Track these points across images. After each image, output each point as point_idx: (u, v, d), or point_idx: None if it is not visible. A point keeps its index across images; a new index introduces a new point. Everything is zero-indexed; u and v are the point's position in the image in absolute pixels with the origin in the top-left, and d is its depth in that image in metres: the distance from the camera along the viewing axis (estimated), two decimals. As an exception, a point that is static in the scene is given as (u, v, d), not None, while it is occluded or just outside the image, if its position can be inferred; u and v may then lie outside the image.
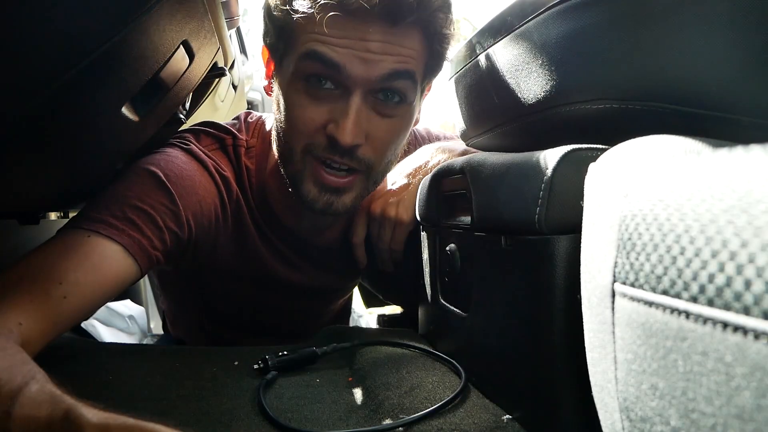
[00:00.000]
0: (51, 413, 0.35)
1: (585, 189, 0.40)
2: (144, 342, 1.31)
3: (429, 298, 0.76)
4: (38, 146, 0.55)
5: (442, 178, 0.70)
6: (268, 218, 0.81)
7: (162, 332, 1.30)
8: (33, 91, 0.44)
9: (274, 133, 0.74)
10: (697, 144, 0.35)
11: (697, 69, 0.41)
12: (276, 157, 0.74)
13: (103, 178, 0.75)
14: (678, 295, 0.26)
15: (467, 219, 0.62)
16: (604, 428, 0.37)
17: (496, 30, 0.58)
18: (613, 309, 0.33)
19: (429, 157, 0.85)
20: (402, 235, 0.82)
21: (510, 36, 0.54)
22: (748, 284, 0.22)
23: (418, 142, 1.00)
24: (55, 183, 0.71)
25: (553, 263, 0.46)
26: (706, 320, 0.24)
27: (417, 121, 0.76)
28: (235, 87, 1.57)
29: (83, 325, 1.16)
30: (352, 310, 1.30)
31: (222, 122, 0.83)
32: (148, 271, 0.65)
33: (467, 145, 0.75)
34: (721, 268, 0.24)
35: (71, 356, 0.65)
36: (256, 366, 0.64)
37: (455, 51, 0.69)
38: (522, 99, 0.54)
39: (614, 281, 0.33)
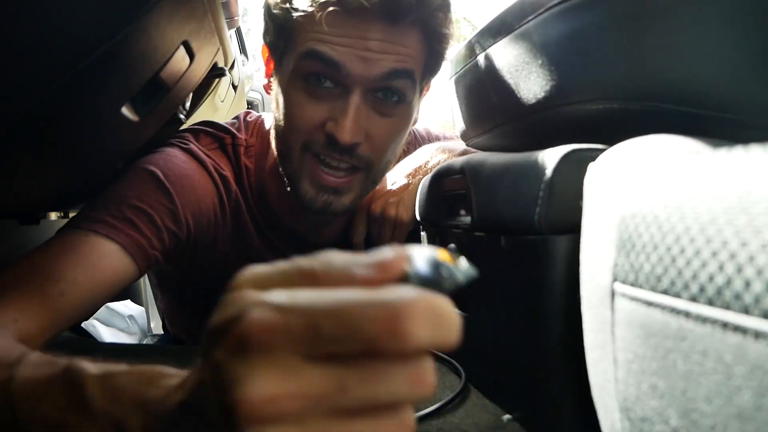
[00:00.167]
0: (52, 371, 0.35)
1: (585, 189, 0.40)
2: (144, 342, 1.31)
3: (429, 298, 0.76)
4: (38, 146, 0.55)
5: (442, 178, 0.70)
6: (267, 217, 0.81)
7: (162, 332, 1.30)
8: (33, 91, 0.44)
9: (273, 132, 0.74)
10: (697, 144, 0.35)
11: (697, 69, 0.41)
12: (275, 155, 0.74)
13: (103, 178, 0.75)
14: (678, 295, 0.26)
15: (467, 219, 0.62)
16: (604, 428, 0.37)
17: (496, 30, 0.58)
18: (612, 309, 0.33)
19: (429, 157, 0.85)
20: (402, 235, 0.82)
21: (510, 36, 0.54)
22: (747, 284, 0.22)
23: (417, 142, 0.99)
24: (55, 183, 0.72)
25: (553, 263, 0.46)
26: (705, 320, 0.24)
27: (416, 121, 0.76)
28: (235, 87, 1.57)
29: (83, 325, 1.16)
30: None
31: (221, 122, 0.83)
32: (146, 271, 0.65)
33: (467, 145, 0.75)
34: (721, 268, 0.24)
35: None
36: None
37: (455, 51, 0.69)
38: (522, 99, 0.54)
39: (614, 281, 0.33)
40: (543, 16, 0.48)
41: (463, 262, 0.25)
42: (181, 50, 0.58)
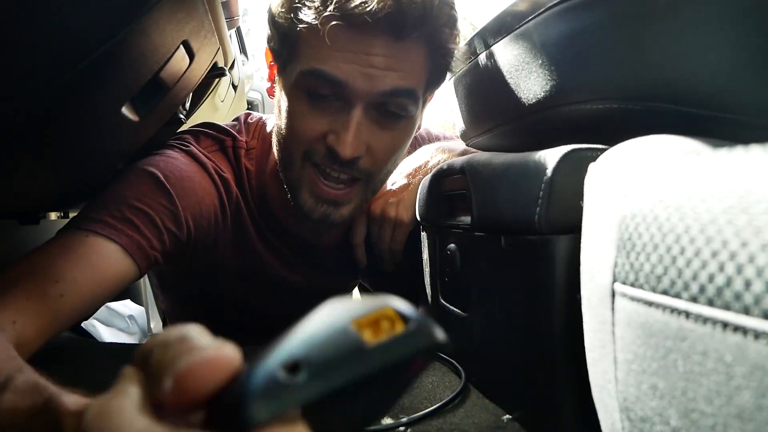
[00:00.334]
0: (33, 403, 0.35)
1: (585, 189, 0.40)
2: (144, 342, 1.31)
3: (429, 298, 0.76)
4: (39, 146, 0.55)
5: (442, 178, 0.70)
6: (267, 219, 0.81)
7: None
8: (33, 91, 0.44)
9: (274, 138, 0.74)
10: (697, 144, 0.35)
11: (697, 69, 0.41)
12: (276, 159, 0.74)
13: (104, 178, 0.75)
14: (678, 295, 0.26)
15: (467, 219, 0.62)
16: (604, 428, 0.37)
17: (496, 30, 0.58)
18: (613, 309, 0.33)
19: (429, 157, 0.85)
20: (402, 235, 0.82)
21: (510, 36, 0.54)
22: (747, 284, 0.22)
23: (417, 142, 0.99)
24: (55, 183, 0.71)
25: (553, 263, 0.46)
26: (706, 320, 0.24)
27: (419, 128, 0.76)
28: (235, 87, 1.57)
29: (83, 325, 1.16)
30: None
31: (222, 123, 0.83)
32: (146, 272, 0.65)
33: (467, 145, 0.75)
34: (721, 268, 0.24)
35: (71, 356, 0.65)
36: (256, 366, 0.64)
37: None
38: (522, 99, 0.54)
39: (614, 281, 0.33)
40: (543, 16, 0.48)
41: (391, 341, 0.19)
42: (181, 50, 0.58)
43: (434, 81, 0.70)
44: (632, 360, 0.31)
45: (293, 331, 0.19)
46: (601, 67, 0.45)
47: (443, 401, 0.54)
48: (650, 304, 0.29)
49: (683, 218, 0.27)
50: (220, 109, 1.45)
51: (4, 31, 0.36)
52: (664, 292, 0.27)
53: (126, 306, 1.35)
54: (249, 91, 2.47)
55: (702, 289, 0.25)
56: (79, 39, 0.42)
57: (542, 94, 0.50)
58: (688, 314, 0.26)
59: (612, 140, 0.41)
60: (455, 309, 0.66)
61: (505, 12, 0.56)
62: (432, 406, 0.54)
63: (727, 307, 0.23)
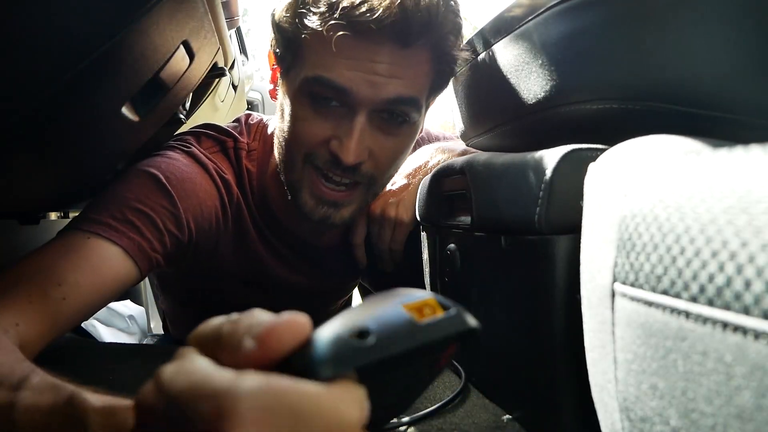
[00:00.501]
0: (54, 400, 0.35)
1: (585, 189, 0.40)
2: (144, 342, 1.31)
3: (429, 298, 0.76)
4: (39, 146, 0.55)
5: (442, 178, 0.70)
6: (268, 221, 0.81)
7: (162, 332, 1.30)
8: (33, 91, 0.44)
9: (276, 140, 0.74)
10: (697, 144, 0.35)
11: (697, 69, 0.41)
12: (277, 161, 0.74)
13: (104, 178, 0.75)
14: (678, 295, 0.26)
15: (467, 219, 0.62)
16: (604, 428, 0.37)
17: (496, 30, 0.58)
18: (612, 309, 0.33)
19: (429, 157, 0.85)
20: (402, 235, 0.82)
21: (510, 36, 0.55)
22: (747, 284, 0.22)
23: (418, 142, 0.99)
24: (55, 183, 0.72)
25: (553, 263, 0.46)
26: (706, 320, 0.24)
27: (421, 131, 0.76)
28: (235, 87, 1.57)
29: (83, 325, 1.16)
30: (352, 310, 1.30)
31: (222, 124, 0.83)
32: (148, 274, 0.65)
33: (467, 145, 0.75)
34: (721, 268, 0.24)
35: (71, 356, 0.65)
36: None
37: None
38: (522, 99, 0.54)
39: (614, 281, 0.33)
40: (543, 16, 0.48)
41: (440, 320, 0.22)
42: (181, 50, 0.58)
43: (437, 87, 0.70)
44: (632, 360, 0.31)
45: (350, 310, 0.22)
46: (601, 67, 0.45)
47: (443, 401, 0.54)
48: (650, 304, 0.29)
49: (683, 218, 0.27)
50: (220, 109, 1.45)
51: (4, 31, 0.36)
52: (664, 292, 0.27)
53: (126, 306, 1.35)
54: (249, 91, 2.47)
55: (702, 289, 0.25)
56: (79, 39, 0.42)
57: (542, 94, 0.50)
58: (688, 314, 0.26)
59: (612, 140, 0.41)
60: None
61: (505, 12, 0.56)
62: (432, 406, 0.54)
63: (727, 307, 0.23)
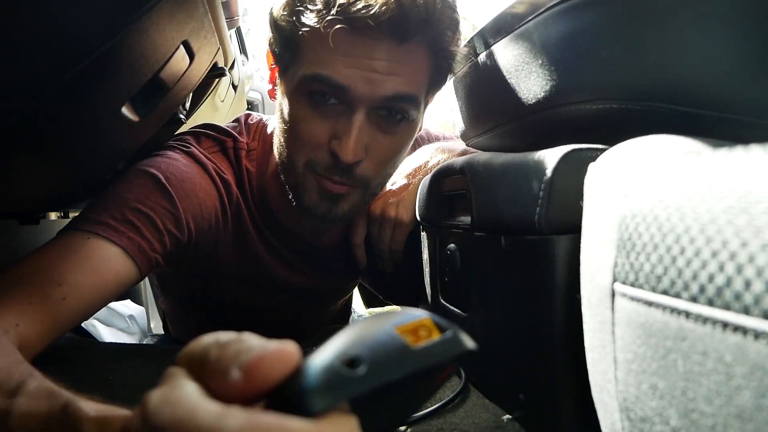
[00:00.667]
0: (50, 408, 0.35)
1: (585, 189, 0.40)
2: (144, 342, 1.31)
3: (429, 298, 0.76)
4: (39, 146, 0.55)
5: (442, 178, 0.70)
6: (268, 221, 0.81)
7: (162, 332, 1.30)
8: (33, 91, 0.44)
9: (276, 140, 0.73)
10: (697, 144, 0.35)
11: (697, 69, 0.41)
12: (277, 161, 0.74)
13: (104, 178, 0.75)
14: (678, 295, 0.26)
15: (467, 219, 0.62)
16: (604, 428, 0.37)
17: (496, 30, 0.58)
18: (612, 309, 0.33)
19: (429, 157, 0.85)
20: (402, 235, 0.82)
21: (510, 36, 0.55)
22: (747, 284, 0.22)
23: (417, 142, 0.99)
24: (55, 183, 0.72)
25: (553, 263, 0.46)
26: (706, 320, 0.24)
27: (420, 129, 0.76)
28: (235, 87, 1.57)
29: (83, 325, 1.16)
30: (352, 310, 1.30)
31: (222, 124, 0.83)
32: (147, 274, 0.65)
33: (467, 145, 0.75)
34: (721, 268, 0.24)
35: (71, 356, 0.65)
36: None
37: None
38: (522, 99, 0.54)
39: (614, 281, 0.33)
40: (543, 16, 0.48)
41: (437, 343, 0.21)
42: (181, 50, 0.58)
43: (436, 84, 0.70)
44: (632, 360, 0.31)
45: (341, 335, 0.21)
46: (601, 67, 0.45)
47: (443, 401, 0.54)
48: (650, 304, 0.29)
49: (683, 218, 0.27)
50: (220, 109, 1.45)
51: (4, 30, 0.36)
52: (664, 292, 0.27)
53: (126, 306, 1.35)
54: (249, 91, 2.48)
55: (702, 289, 0.25)
56: (79, 39, 0.42)
57: (542, 94, 0.50)
58: (688, 314, 0.26)
59: (612, 140, 0.41)
60: (455, 309, 0.66)
61: (505, 12, 0.56)
62: (432, 406, 0.54)
63: (727, 307, 0.23)
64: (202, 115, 1.15)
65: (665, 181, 0.30)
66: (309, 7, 0.59)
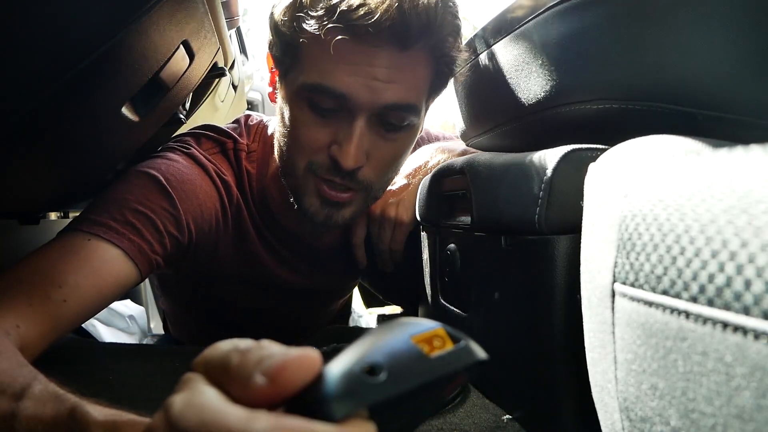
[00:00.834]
0: (56, 412, 0.35)
1: (585, 189, 0.40)
2: (144, 342, 1.31)
3: (429, 298, 0.76)
4: (39, 146, 0.55)
5: (442, 178, 0.70)
6: (268, 222, 0.81)
7: (162, 332, 1.30)
8: (33, 91, 0.44)
9: (276, 143, 0.73)
10: (697, 144, 0.35)
11: (697, 69, 0.41)
12: (277, 163, 0.74)
13: (104, 178, 0.75)
14: (678, 295, 0.26)
15: (467, 219, 0.62)
16: (604, 428, 0.37)
17: (496, 30, 0.58)
18: (613, 309, 0.33)
19: (429, 157, 0.85)
20: (402, 236, 0.82)
21: (510, 36, 0.55)
22: (748, 284, 0.22)
23: (417, 142, 0.99)
24: (55, 183, 0.72)
25: (553, 263, 0.46)
26: (706, 320, 0.24)
27: (421, 130, 0.76)
28: (235, 87, 1.57)
29: (83, 325, 1.16)
30: (352, 310, 1.30)
31: (222, 125, 0.83)
32: (148, 275, 0.65)
33: (467, 145, 0.75)
34: (721, 268, 0.24)
35: (71, 356, 0.65)
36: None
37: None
38: (522, 99, 0.54)
39: (614, 281, 0.33)
40: (543, 16, 0.48)
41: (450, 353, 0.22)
42: (181, 50, 0.58)
43: (437, 88, 0.70)
44: (632, 360, 0.31)
45: (359, 343, 0.22)
46: (601, 67, 0.45)
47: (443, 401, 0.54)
48: (650, 304, 0.29)
49: (683, 218, 0.27)
50: (220, 109, 1.45)
51: (4, 30, 0.36)
52: (664, 292, 0.27)
53: (126, 306, 1.35)
54: (249, 91, 2.47)
55: (702, 289, 0.25)
56: (79, 39, 0.42)
57: (542, 94, 0.50)
58: (688, 314, 0.26)
59: (612, 140, 0.41)
60: (455, 309, 0.66)
61: (505, 12, 0.56)
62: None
63: (727, 307, 0.23)
64: (202, 115, 1.15)
65: (665, 181, 0.30)
66: (310, 13, 0.59)
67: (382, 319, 1.09)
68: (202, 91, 0.87)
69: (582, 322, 0.39)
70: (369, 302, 1.30)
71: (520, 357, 0.52)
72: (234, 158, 0.78)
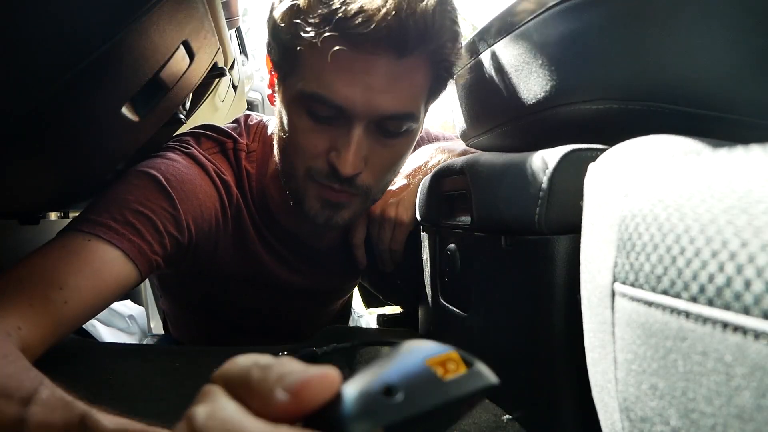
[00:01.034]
0: (67, 419, 0.35)
1: (585, 189, 0.40)
2: (144, 342, 1.31)
3: (429, 298, 0.76)
4: (39, 146, 0.55)
5: (442, 178, 0.70)
6: (268, 222, 0.81)
7: (162, 332, 1.30)
8: (33, 91, 0.44)
9: (276, 145, 0.73)
10: (697, 144, 0.35)
11: (697, 69, 0.41)
12: (277, 164, 0.74)
13: (104, 178, 0.75)
14: (678, 295, 0.26)
15: (467, 219, 0.62)
16: (604, 428, 0.37)
17: (496, 30, 0.58)
18: (612, 309, 0.33)
19: (429, 157, 0.85)
20: (402, 236, 0.82)
21: (510, 36, 0.55)
22: (747, 284, 0.22)
23: (417, 142, 0.99)
24: (55, 183, 0.72)
25: (553, 263, 0.46)
26: (706, 320, 0.24)
27: (421, 131, 0.76)
28: (235, 87, 1.57)
29: (83, 325, 1.16)
30: (352, 310, 1.30)
31: (222, 125, 0.83)
32: (148, 276, 0.65)
33: (467, 145, 0.75)
34: (721, 268, 0.24)
35: (71, 356, 0.65)
36: (256, 366, 0.64)
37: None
38: (522, 99, 0.54)
39: (614, 281, 0.33)
40: (543, 16, 0.48)
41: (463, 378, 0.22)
42: (181, 50, 0.58)
43: (436, 92, 0.69)
44: (632, 360, 0.31)
45: (376, 364, 0.22)
46: (601, 67, 0.45)
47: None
48: (650, 304, 0.29)
49: (683, 218, 0.27)
50: (220, 109, 1.45)
51: (4, 30, 0.36)
52: (664, 292, 0.27)
53: (126, 306, 1.35)
54: (249, 91, 2.48)
55: (702, 289, 0.25)
56: (79, 39, 0.42)
57: (542, 94, 0.50)
58: (688, 314, 0.26)
59: (612, 140, 0.41)
60: (455, 309, 0.66)
61: (505, 12, 0.56)
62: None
63: (727, 307, 0.23)
64: (202, 115, 1.15)
65: (665, 181, 0.30)
66: (308, 20, 0.58)
67: (383, 319, 1.09)
68: (202, 91, 0.87)
69: (582, 322, 0.39)
70: (369, 302, 1.30)
71: (520, 357, 0.52)
72: (234, 158, 0.78)
